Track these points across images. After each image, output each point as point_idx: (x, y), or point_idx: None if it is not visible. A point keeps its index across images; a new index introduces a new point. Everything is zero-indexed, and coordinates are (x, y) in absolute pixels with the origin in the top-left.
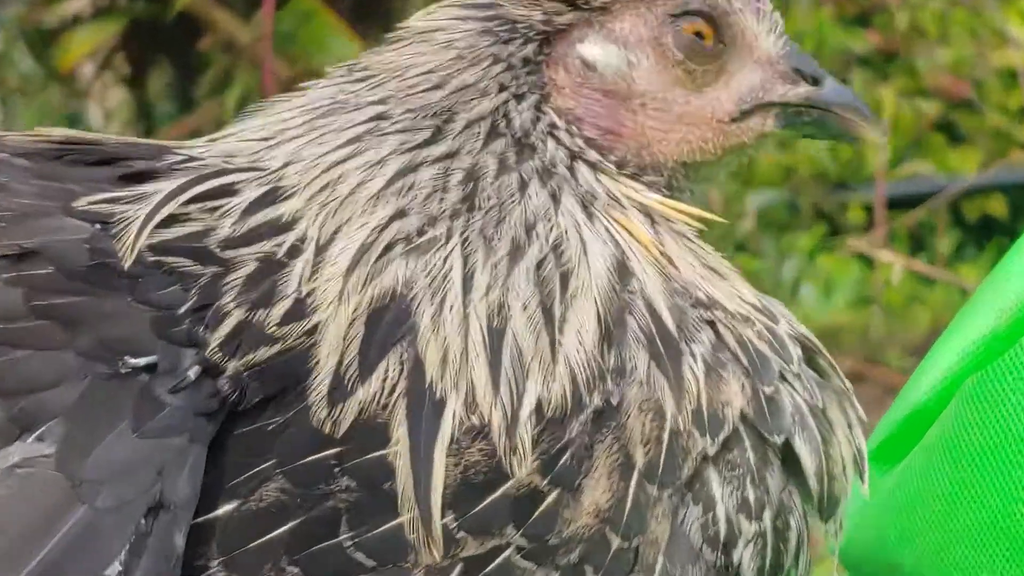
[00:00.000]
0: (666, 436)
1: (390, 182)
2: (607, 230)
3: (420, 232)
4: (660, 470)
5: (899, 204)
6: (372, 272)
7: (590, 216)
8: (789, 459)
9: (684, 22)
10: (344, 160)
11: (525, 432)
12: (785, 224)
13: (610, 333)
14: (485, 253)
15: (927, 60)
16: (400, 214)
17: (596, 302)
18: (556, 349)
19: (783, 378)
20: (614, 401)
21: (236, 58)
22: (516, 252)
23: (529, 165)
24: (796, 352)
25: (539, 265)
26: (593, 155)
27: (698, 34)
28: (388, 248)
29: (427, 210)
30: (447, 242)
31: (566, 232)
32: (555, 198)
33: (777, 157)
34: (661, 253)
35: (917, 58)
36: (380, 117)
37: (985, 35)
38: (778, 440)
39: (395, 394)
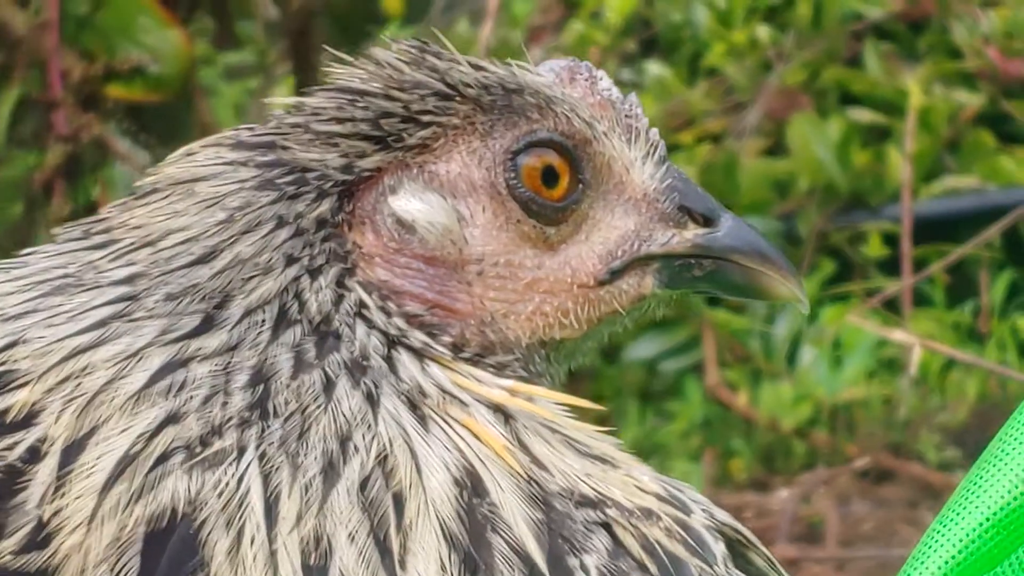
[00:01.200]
0: None
1: (153, 379)
2: (446, 435)
3: (204, 442)
4: None
5: (935, 229)
6: (142, 487)
7: (422, 419)
8: None
9: (529, 157)
10: (89, 348)
11: None
12: None
13: (471, 561)
14: (291, 472)
15: (968, 29)
16: (173, 419)
17: (441, 529)
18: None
19: None
20: None
21: (10, 53)
22: (331, 470)
23: (334, 359)
24: (719, 549)
25: (363, 485)
26: (418, 338)
27: (548, 170)
28: (163, 458)
29: (208, 416)
30: (239, 457)
31: (391, 443)
32: (372, 399)
33: (767, 164)
34: (524, 455)
35: (954, 27)
36: (129, 299)
37: None
38: None
39: None
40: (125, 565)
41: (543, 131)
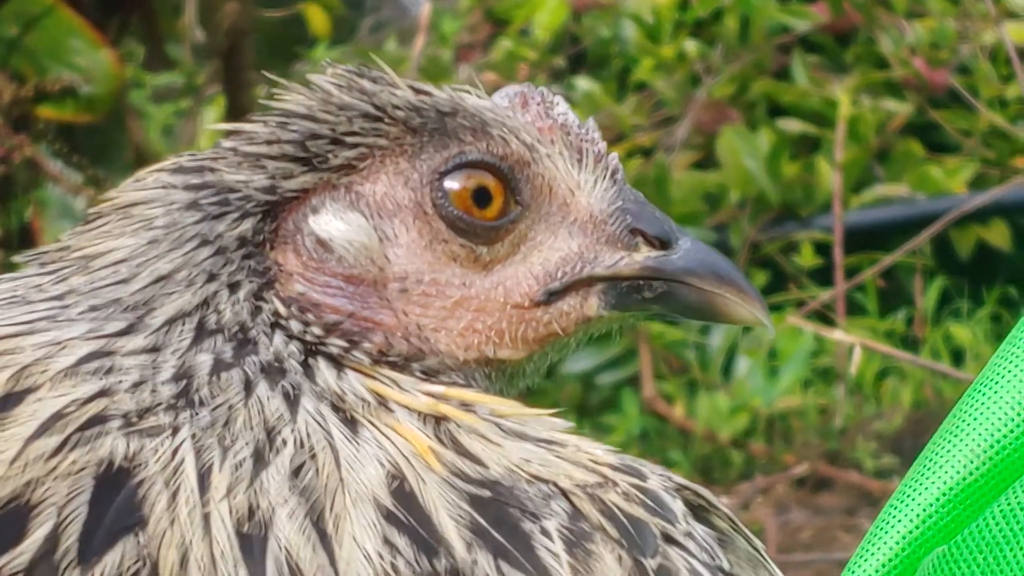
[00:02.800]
0: None
1: (82, 361)
2: (373, 436)
3: (139, 416)
4: None
5: (866, 238)
6: (77, 441)
7: (349, 422)
8: None
9: (458, 180)
10: (17, 335)
11: None
12: None
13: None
14: (221, 452)
15: (894, 40)
16: (106, 393)
17: (376, 519)
18: (338, 559)
19: (669, 540)
20: None
21: None
22: (259, 456)
23: (252, 360)
24: (677, 507)
25: (296, 472)
26: (337, 344)
27: (480, 190)
28: (98, 420)
29: (139, 397)
30: (173, 434)
31: (316, 440)
32: (291, 400)
33: (698, 177)
34: (454, 453)
35: (880, 38)
36: (59, 309)
37: (971, 2)
38: None
39: None
40: (73, 511)
41: (474, 152)
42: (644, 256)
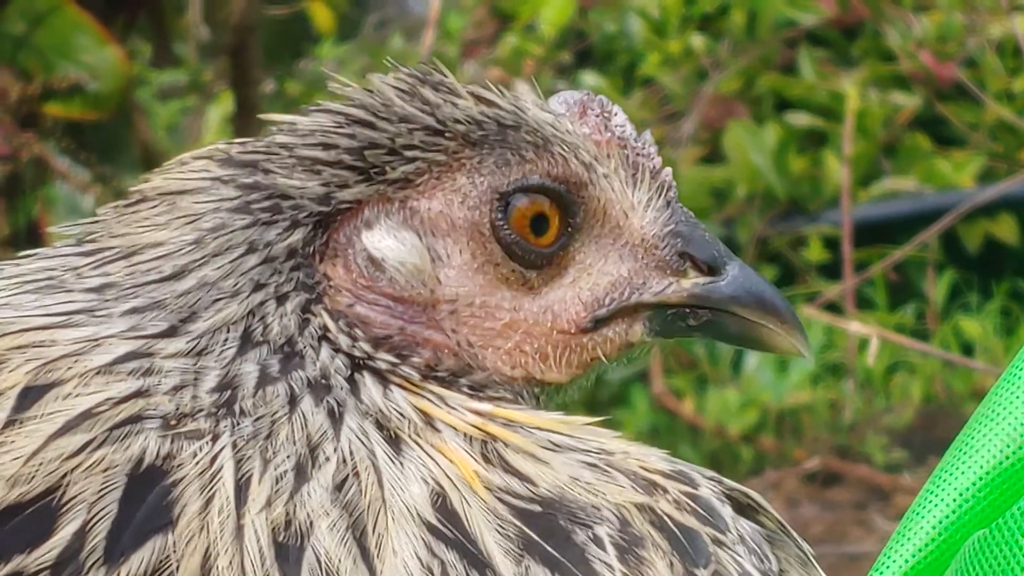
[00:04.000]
0: None
1: (119, 360)
2: (418, 457)
3: (179, 419)
4: None
5: (874, 233)
6: (105, 439)
7: (393, 441)
8: None
9: (520, 202)
10: (53, 327)
11: None
12: None
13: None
14: (262, 463)
15: (901, 34)
16: (144, 394)
17: (418, 538)
18: (379, 573)
19: (721, 546)
20: None
21: None
22: (301, 470)
23: (298, 375)
24: (726, 512)
25: (339, 487)
26: (385, 359)
27: (539, 217)
28: (134, 420)
29: (179, 401)
30: (214, 440)
31: (360, 458)
32: (335, 417)
33: (705, 172)
34: (503, 473)
35: (888, 32)
36: (98, 303)
37: None
38: None
39: None
40: (104, 508)
41: (535, 176)
42: (692, 283)
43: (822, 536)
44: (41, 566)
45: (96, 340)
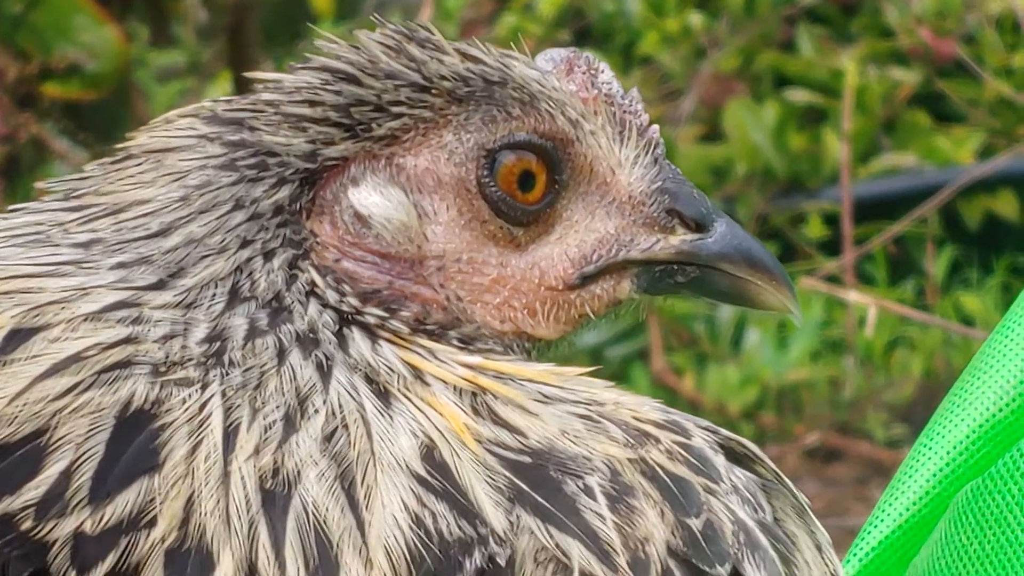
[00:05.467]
0: None
1: (108, 308)
2: (407, 410)
3: (168, 367)
4: None
5: (874, 210)
6: (93, 382)
7: (382, 394)
8: None
9: (506, 159)
10: (41, 276)
11: None
12: None
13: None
14: (251, 412)
15: (900, 10)
16: (133, 340)
17: (407, 487)
18: (367, 523)
19: (713, 496)
20: (502, 559)
21: None
22: (290, 420)
23: (287, 329)
24: (719, 461)
25: (328, 438)
26: (374, 314)
27: (525, 174)
28: (123, 365)
29: (169, 350)
30: (203, 388)
31: (349, 411)
32: (323, 370)
33: (704, 150)
34: (493, 426)
35: (886, 8)
36: (86, 257)
37: None
38: (722, 571)
39: (144, 544)
40: (91, 450)
41: (522, 133)
42: (680, 240)
43: (823, 511)
44: (27, 504)
45: (84, 289)
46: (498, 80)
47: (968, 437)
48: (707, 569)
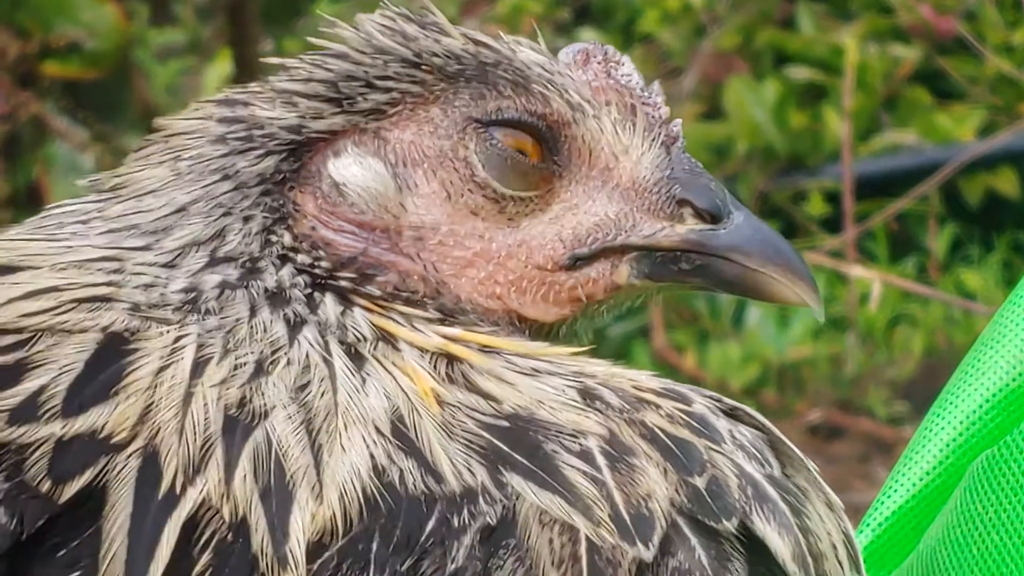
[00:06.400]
0: (583, 551)
1: (92, 259)
2: (376, 372)
3: (150, 305)
4: None
5: (875, 187)
6: (71, 309)
7: (354, 356)
8: (757, 550)
9: (497, 134)
10: (34, 240)
11: (297, 546)
12: None
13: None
14: (223, 352)
15: None
16: (115, 284)
17: (374, 438)
18: (325, 464)
19: (717, 453)
20: (494, 517)
21: None
22: (261, 367)
23: (257, 285)
24: (722, 424)
25: (300, 389)
26: (346, 277)
27: (518, 153)
28: (103, 299)
29: (148, 296)
30: (181, 327)
31: (312, 369)
32: (292, 327)
33: (705, 128)
34: (465, 392)
35: None
36: (82, 227)
37: None
38: (730, 525)
39: (122, 458)
40: (69, 366)
41: (511, 110)
42: (688, 229)
43: None
44: (1, 409)
45: (71, 246)
46: (492, 61)
47: (981, 407)
48: (713, 524)
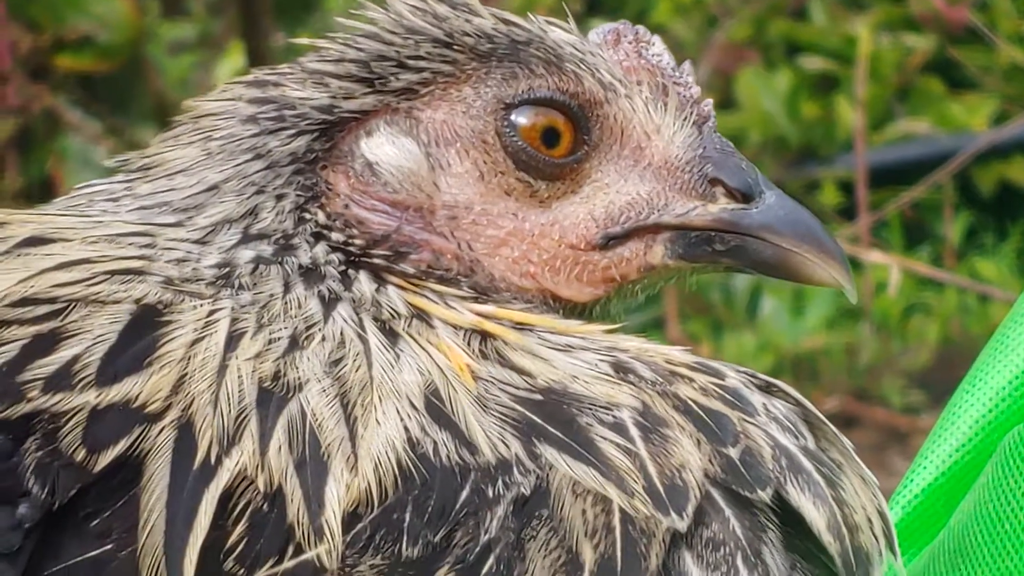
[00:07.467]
0: (617, 522)
1: (125, 234)
2: (411, 349)
3: (183, 280)
4: (619, 567)
5: (888, 177)
6: (102, 281)
7: (389, 333)
8: (792, 522)
9: (526, 115)
10: (65, 215)
11: (333, 517)
12: None
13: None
14: (256, 326)
15: None
16: (148, 258)
17: (408, 411)
18: (360, 436)
19: (751, 424)
20: (527, 488)
21: None
22: (295, 342)
23: (291, 262)
24: (756, 399)
25: (335, 363)
26: (380, 255)
27: (549, 130)
28: (136, 272)
29: (181, 270)
30: (214, 301)
31: (347, 344)
32: (327, 304)
33: (717, 119)
34: (500, 368)
35: None
36: (112, 205)
37: None
38: (764, 495)
39: (156, 428)
40: (103, 335)
41: (543, 89)
42: (720, 208)
43: None
44: (36, 376)
45: (102, 221)
46: (524, 40)
47: (1011, 383)
48: (748, 494)
